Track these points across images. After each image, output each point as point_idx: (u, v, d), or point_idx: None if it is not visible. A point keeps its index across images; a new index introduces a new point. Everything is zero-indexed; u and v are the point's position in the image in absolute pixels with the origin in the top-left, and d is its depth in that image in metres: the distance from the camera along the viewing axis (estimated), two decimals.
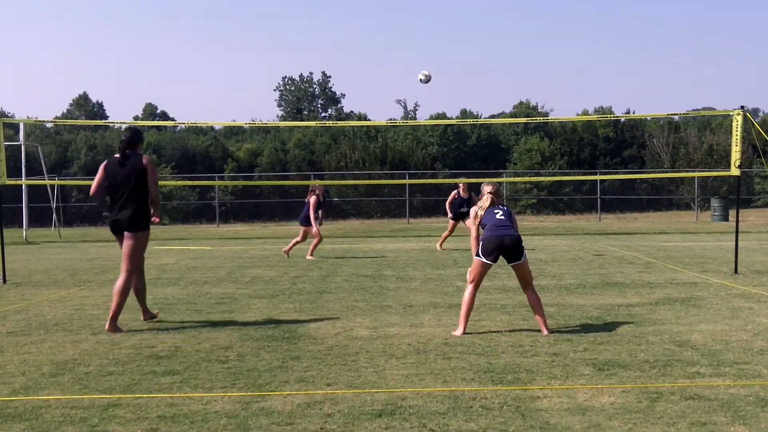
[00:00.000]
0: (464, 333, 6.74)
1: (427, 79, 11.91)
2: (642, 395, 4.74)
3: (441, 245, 16.17)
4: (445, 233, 16.36)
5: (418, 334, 6.78)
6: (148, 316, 7.64)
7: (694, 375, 5.24)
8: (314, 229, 14.25)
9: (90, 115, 66.19)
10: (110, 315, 7.14)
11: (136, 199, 7.24)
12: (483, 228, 7.03)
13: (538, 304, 6.90)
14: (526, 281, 6.95)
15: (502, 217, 6.98)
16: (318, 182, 15.86)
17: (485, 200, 7.16)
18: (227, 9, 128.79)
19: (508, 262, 6.90)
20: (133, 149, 7.40)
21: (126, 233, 7.26)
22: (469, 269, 7.07)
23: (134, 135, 7.45)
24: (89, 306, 8.68)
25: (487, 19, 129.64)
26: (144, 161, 7.31)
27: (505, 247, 6.80)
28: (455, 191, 15.99)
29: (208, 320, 7.62)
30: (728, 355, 5.85)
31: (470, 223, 7.27)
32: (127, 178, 7.22)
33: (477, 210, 7.12)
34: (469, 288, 6.93)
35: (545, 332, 6.75)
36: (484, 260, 6.85)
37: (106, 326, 7.12)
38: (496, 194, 7.20)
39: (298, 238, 14.73)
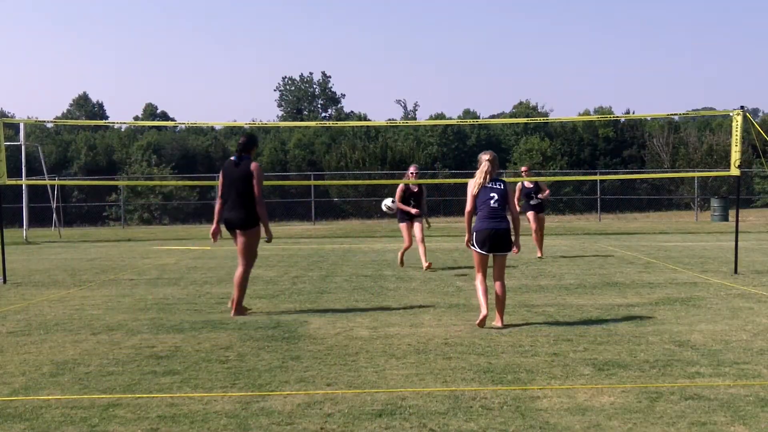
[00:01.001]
0: (488, 313, 7.01)
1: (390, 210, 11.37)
2: (642, 395, 4.74)
3: (541, 251, 13.83)
4: (534, 236, 13.78)
5: (418, 334, 6.78)
6: (239, 311, 7.90)
7: (694, 375, 5.24)
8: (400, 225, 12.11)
9: (90, 115, 66.21)
10: (234, 302, 7.87)
11: (245, 200, 7.72)
12: (478, 208, 7.19)
13: (503, 297, 7.18)
14: (500, 271, 7.21)
15: (496, 205, 7.10)
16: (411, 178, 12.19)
17: (483, 169, 7.20)
18: (227, 9, 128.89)
19: (494, 252, 7.12)
20: (248, 153, 7.90)
21: (239, 231, 7.83)
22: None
23: (249, 140, 8.01)
24: (89, 306, 8.69)
25: (487, 19, 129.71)
26: (251, 167, 7.75)
27: (496, 239, 7.06)
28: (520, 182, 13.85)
29: (208, 320, 7.62)
30: (728, 355, 5.85)
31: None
32: (238, 180, 7.74)
33: (474, 182, 7.24)
34: (477, 278, 7.20)
35: (499, 324, 7.08)
36: (480, 251, 7.12)
37: (231, 313, 7.82)
38: (493, 163, 7.23)
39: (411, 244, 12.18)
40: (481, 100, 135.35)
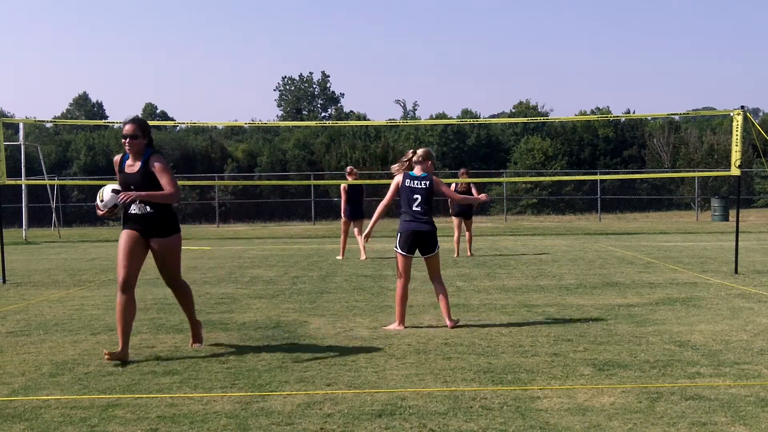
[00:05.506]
0: (402, 327, 7.00)
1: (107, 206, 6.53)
2: (642, 395, 4.74)
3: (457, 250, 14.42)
4: (456, 240, 14.43)
5: (418, 334, 6.77)
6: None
7: (695, 375, 5.23)
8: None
9: (90, 115, 66.18)
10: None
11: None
12: (402, 207, 7.17)
13: (444, 294, 7.12)
14: (434, 272, 7.20)
15: (418, 208, 7.08)
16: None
17: (402, 160, 7.22)
18: (227, 9, 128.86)
19: (421, 255, 7.14)
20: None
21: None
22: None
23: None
24: (89, 306, 8.68)
25: (487, 18, 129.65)
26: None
27: (418, 241, 7.07)
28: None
29: (208, 320, 7.61)
30: (728, 355, 5.84)
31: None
32: None
33: (396, 173, 7.21)
34: (398, 283, 7.16)
35: (449, 323, 7.00)
36: (403, 253, 7.10)
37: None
38: (420, 158, 7.15)
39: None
40: (481, 100, 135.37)
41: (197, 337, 6.40)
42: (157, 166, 5.89)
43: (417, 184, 7.09)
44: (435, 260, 7.14)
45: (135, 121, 6.00)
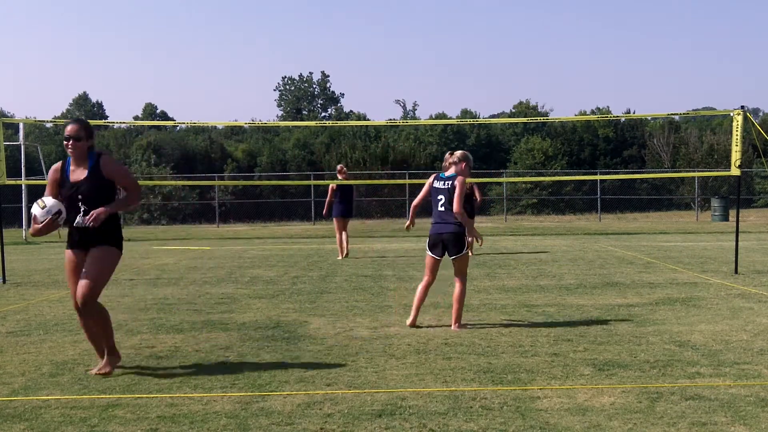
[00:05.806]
0: (414, 325, 7.08)
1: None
2: (642, 395, 4.74)
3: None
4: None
5: (418, 334, 6.77)
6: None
7: (695, 375, 5.23)
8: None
9: (90, 115, 66.16)
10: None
11: None
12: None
13: (459, 297, 7.06)
14: (457, 272, 7.16)
15: (442, 209, 7.06)
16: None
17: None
18: (227, 9, 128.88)
19: (449, 255, 7.12)
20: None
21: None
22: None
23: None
24: None
25: (486, 18, 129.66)
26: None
27: (443, 242, 7.07)
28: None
29: (208, 320, 7.61)
30: (728, 355, 5.84)
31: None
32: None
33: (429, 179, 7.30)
34: (423, 280, 7.24)
35: (453, 327, 6.99)
36: (431, 255, 7.16)
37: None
38: (456, 159, 7.13)
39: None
40: (481, 100, 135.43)
41: (107, 365, 5.42)
42: (113, 169, 5.45)
43: (443, 184, 7.08)
44: (459, 262, 7.09)
45: (78, 121, 5.65)
